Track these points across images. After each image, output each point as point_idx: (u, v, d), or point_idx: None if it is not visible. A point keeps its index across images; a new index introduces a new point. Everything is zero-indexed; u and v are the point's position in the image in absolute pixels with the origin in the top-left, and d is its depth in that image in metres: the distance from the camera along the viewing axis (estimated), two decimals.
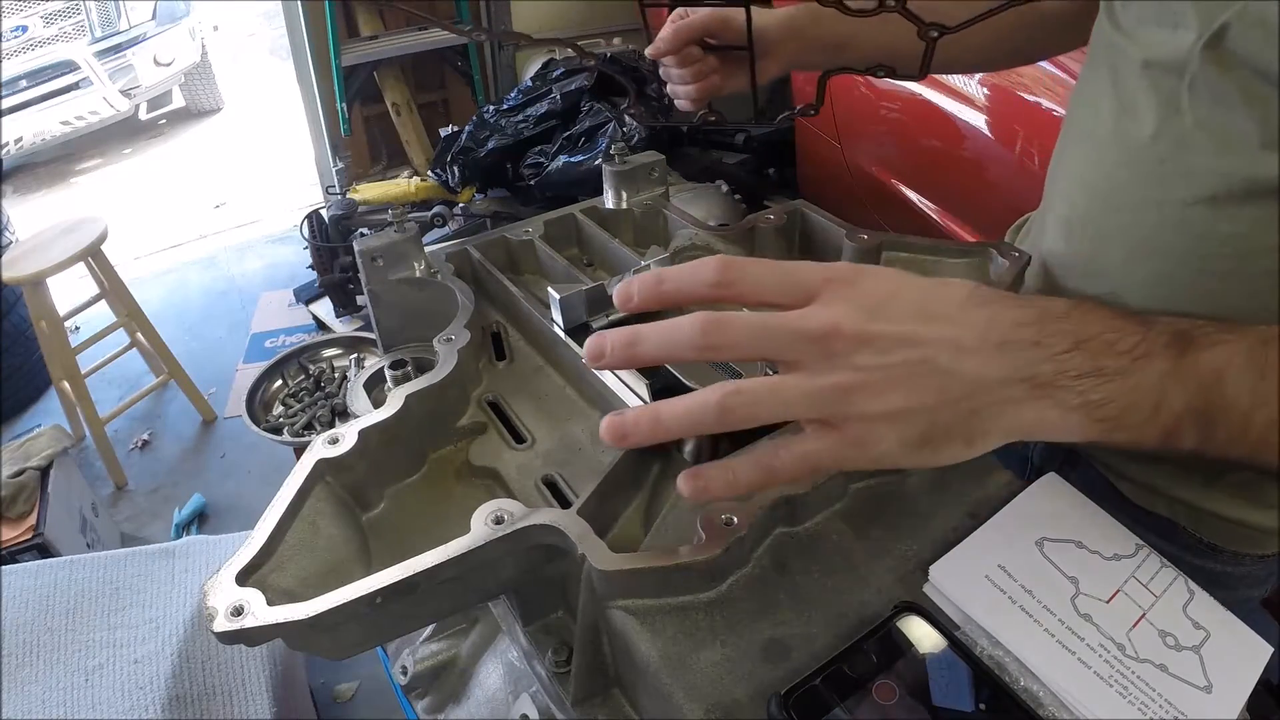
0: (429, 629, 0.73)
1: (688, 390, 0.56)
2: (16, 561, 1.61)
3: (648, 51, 0.79)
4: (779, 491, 0.49)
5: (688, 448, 0.62)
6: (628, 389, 0.58)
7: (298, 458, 0.59)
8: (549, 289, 0.64)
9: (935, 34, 0.58)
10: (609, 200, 0.82)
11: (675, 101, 0.82)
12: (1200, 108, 0.52)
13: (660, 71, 0.81)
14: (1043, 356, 0.41)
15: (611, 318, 0.67)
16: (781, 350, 0.40)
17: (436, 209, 2.38)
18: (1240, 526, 0.64)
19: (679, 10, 0.76)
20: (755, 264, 0.41)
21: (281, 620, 0.42)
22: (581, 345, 0.63)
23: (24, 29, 3.87)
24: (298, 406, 2.01)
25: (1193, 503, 0.64)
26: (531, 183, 2.30)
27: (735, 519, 0.47)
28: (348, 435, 0.54)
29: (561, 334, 0.64)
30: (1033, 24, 0.76)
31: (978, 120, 1.64)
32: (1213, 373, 0.42)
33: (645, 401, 0.56)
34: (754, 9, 0.72)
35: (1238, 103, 0.50)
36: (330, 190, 3.00)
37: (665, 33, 0.76)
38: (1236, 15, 0.48)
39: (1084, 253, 0.64)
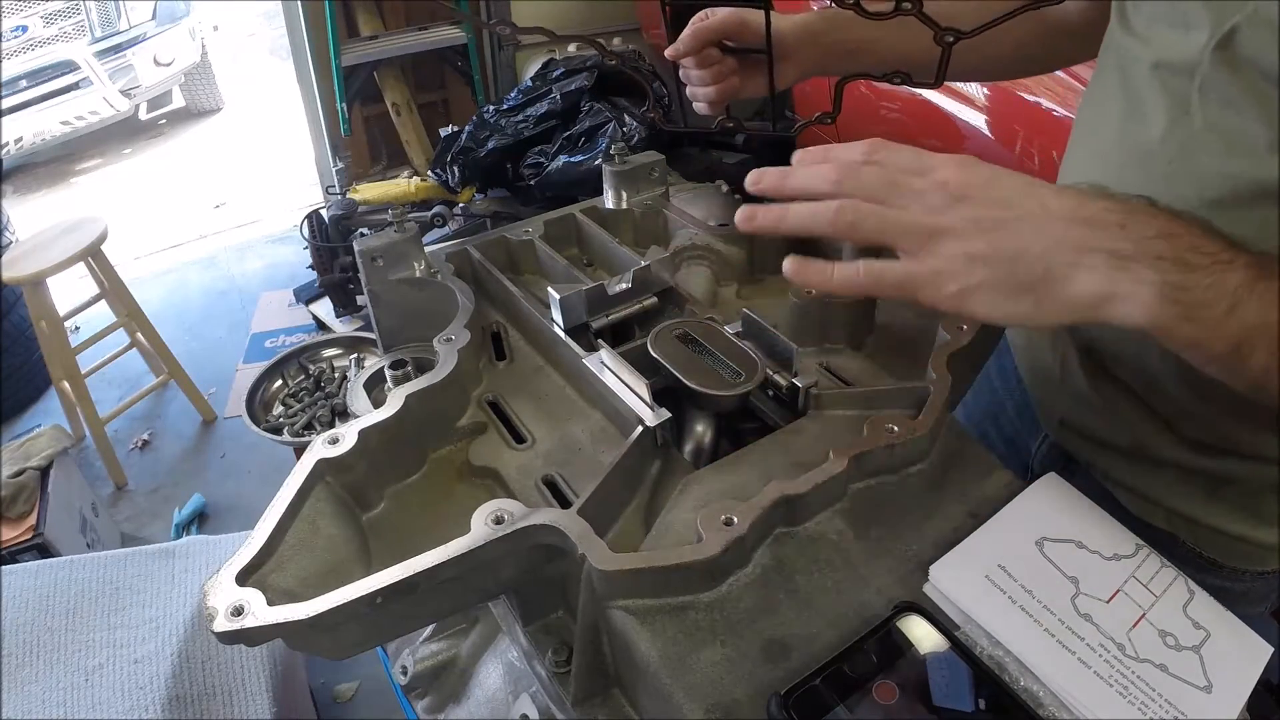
0: (429, 629, 0.73)
1: (687, 390, 0.57)
2: (16, 561, 1.61)
3: (667, 53, 0.79)
4: (779, 491, 0.49)
5: (688, 447, 0.62)
6: (627, 389, 0.58)
7: (298, 458, 0.59)
8: (549, 289, 0.64)
9: (951, 39, 0.58)
10: (609, 200, 0.82)
11: (694, 104, 0.83)
12: (1209, 109, 0.52)
13: (680, 73, 0.81)
14: (1126, 236, 0.43)
15: (611, 318, 0.67)
16: (895, 195, 0.47)
17: (436, 209, 2.38)
18: (1241, 542, 0.63)
19: (700, 13, 0.76)
20: (891, 147, 0.49)
21: (281, 620, 0.42)
22: (582, 345, 0.63)
23: (24, 29, 3.87)
24: (298, 406, 2.01)
25: (1193, 516, 0.64)
26: (531, 183, 2.29)
27: (735, 519, 0.47)
28: (348, 435, 0.54)
29: (561, 334, 0.64)
30: (1051, 33, 0.76)
31: (978, 120, 1.64)
32: None
33: (645, 400, 0.56)
34: (772, 13, 0.72)
35: (1246, 105, 0.49)
36: (330, 190, 3.00)
37: (685, 34, 0.77)
38: (1247, 17, 0.48)
39: None
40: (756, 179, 0.51)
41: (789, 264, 0.50)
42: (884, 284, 0.48)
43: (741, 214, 0.51)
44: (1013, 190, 0.46)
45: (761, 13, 0.73)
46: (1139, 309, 0.43)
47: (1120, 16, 0.61)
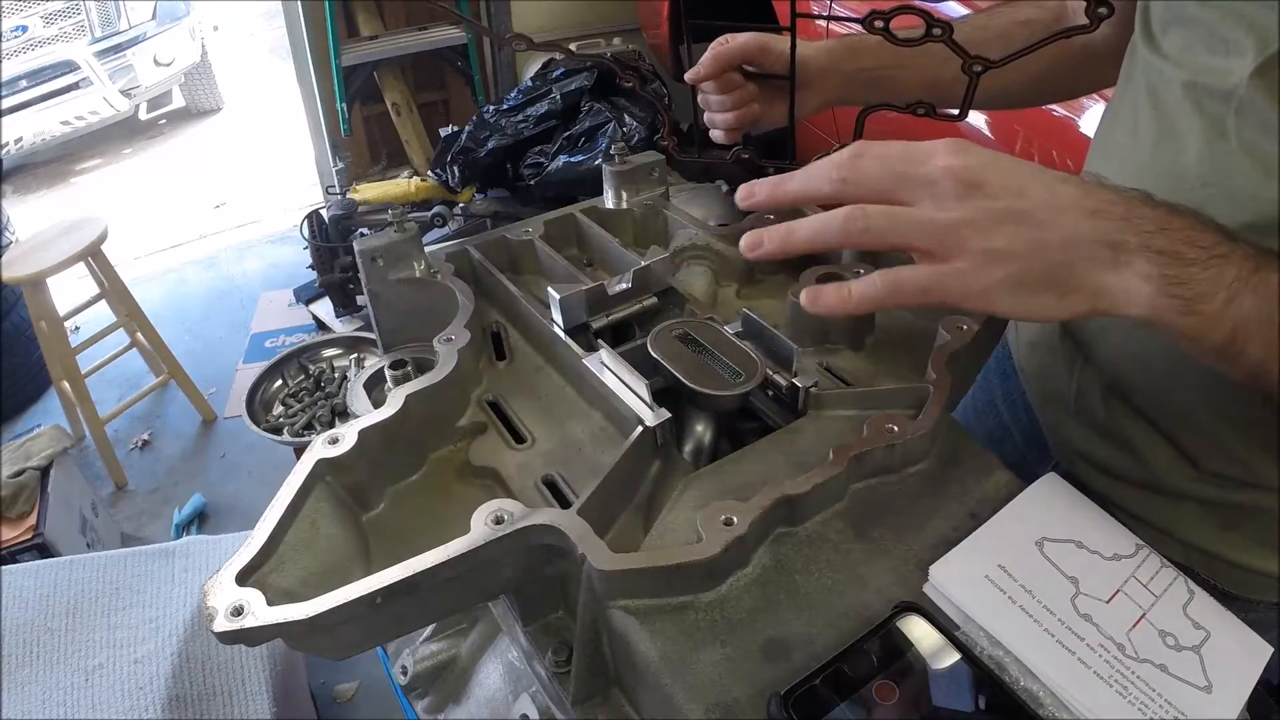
0: (429, 629, 0.73)
1: (687, 389, 0.57)
2: (16, 561, 1.61)
3: (687, 76, 0.77)
4: (779, 491, 0.49)
5: (688, 447, 0.62)
6: (627, 389, 0.58)
7: (298, 458, 0.59)
8: (549, 289, 0.64)
9: (979, 69, 0.57)
10: (609, 200, 0.82)
11: (711, 132, 0.80)
12: (1246, 132, 0.51)
13: (699, 99, 0.80)
14: (1129, 229, 0.43)
15: (612, 318, 0.67)
16: (904, 187, 0.45)
17: (436, 209, 2.38)
18: (1257, 575, 0.63)
19: (721, 36, 0.75)
20: (879, 143, 0.48)
21: (281, 620, 0.42)
22: (581, 345, 0.63)
23: (24, 29, 3.87)
24: (298, 406, 2.01)
25: (1208, 549, 0.63)
26: (531, 183, 2.30)
27: (735, 519, 0.47)
28: (348, 435, 0.54)
29: (561, 334, 0.64)
30: (1078, 58, 0.75)
31: (978, 120, 1.64)
32: None
33: (645, 400, 0.56)
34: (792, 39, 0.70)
35: None
36: (330, 190, 3.00)
37: (705, 58, 0.75)
38: None
39: None
40: (748, 193, 0.49)
41: (805, 296, 0.48)
42: (905, 292, 0.46)
43: (746, 242, 0.48)
44: (1020, 176, 0.45)
45: (783, 38, 0.71)
46: (1140, 303, 0.44)
47: (1147, 38, 0.60)
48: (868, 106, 0.66)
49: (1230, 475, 0.61)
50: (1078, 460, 0.72)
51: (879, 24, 0.55)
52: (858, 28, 0.58)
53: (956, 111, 0.62)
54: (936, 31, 0.55)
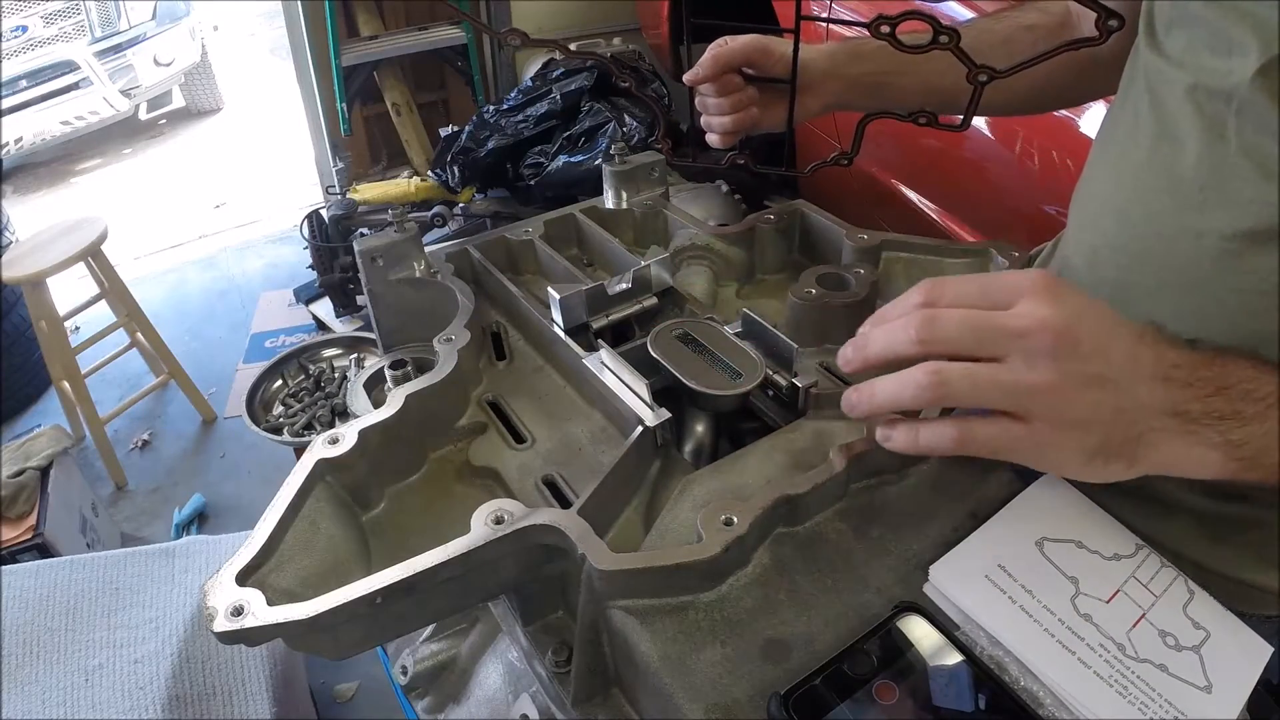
0: (429, 629, 0.73)
1: (687, 390, 0.57)
2: (16, 561, 1.61)
3: (685, 77, 0.76)
4: (779, 491, 0.49)
5: (688, 447, 0.62)
6: (627, 389, 0.58)
7: (298, 458, 0.59)
8: (549, 289, 0.64)
9: (984, 78, 0.56)
10: (609, 200, 0.82)
11: (707, 135, 0.79)
12: (1247, 134, 0.50)
13: (696, 101, 0.79)
14: (1192, 396, 0.44)
15: (612, 318, 0.67)
16: (989, 344, 0.43)
17: (436, 209, 2.38)
18: (1247, 587, 0.62)
19: (721, 38, 0.74)
20: (957, 278, 0.46)
21: (281, 620, 0.43)
22: (581, 345, 0.63)
23: (24, 29, 3.87)
24: (298, 406, 2.01)
25: (1199, 561, 0.63)
26: (531, 183, 2.30)
27: (735, 519, 0.47)
28: (348, 435, 0.54)
29: (561, 334, 0.64)
30: (1082, 65, 0.73)
31: (977, 120, 1.64)
32: None
33: (645, 400, 0.56)
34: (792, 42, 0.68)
35: None
36: (330, 190, 3.00)
37: (705, 59, 0.74)
38: None
39: (1109, 280, 0.61)
40: (844, 361, 0.49)
41: (880, 433, 0.49)
42: (974, 449, 0.45)
43: (846, 403, 0.49)
44: (1105, 333, 0.44)
45: (785, 40, 0.70)
46: (1207, 470, 0.46)
47: (1150, 39, 0.59)
48: (869, 114, 0.66)
49: (1224, 486, 0.61)
50: None
51: (885, 29, 0.54)
52: (860, 31, 0.57)
53: (959, 120, 0.62)
54: (943, 38, 0.53)
